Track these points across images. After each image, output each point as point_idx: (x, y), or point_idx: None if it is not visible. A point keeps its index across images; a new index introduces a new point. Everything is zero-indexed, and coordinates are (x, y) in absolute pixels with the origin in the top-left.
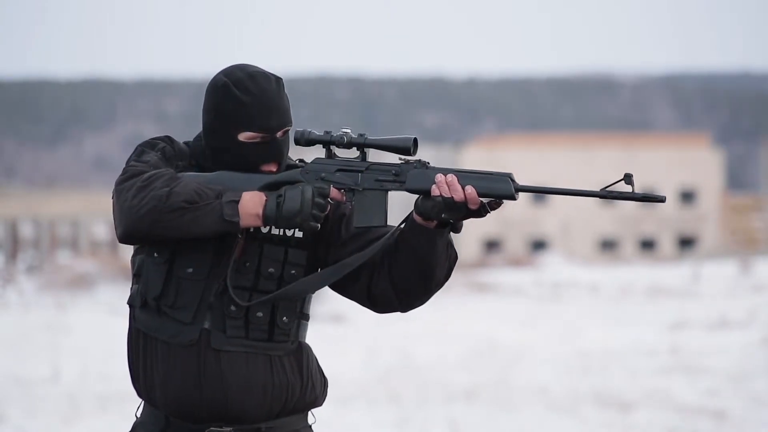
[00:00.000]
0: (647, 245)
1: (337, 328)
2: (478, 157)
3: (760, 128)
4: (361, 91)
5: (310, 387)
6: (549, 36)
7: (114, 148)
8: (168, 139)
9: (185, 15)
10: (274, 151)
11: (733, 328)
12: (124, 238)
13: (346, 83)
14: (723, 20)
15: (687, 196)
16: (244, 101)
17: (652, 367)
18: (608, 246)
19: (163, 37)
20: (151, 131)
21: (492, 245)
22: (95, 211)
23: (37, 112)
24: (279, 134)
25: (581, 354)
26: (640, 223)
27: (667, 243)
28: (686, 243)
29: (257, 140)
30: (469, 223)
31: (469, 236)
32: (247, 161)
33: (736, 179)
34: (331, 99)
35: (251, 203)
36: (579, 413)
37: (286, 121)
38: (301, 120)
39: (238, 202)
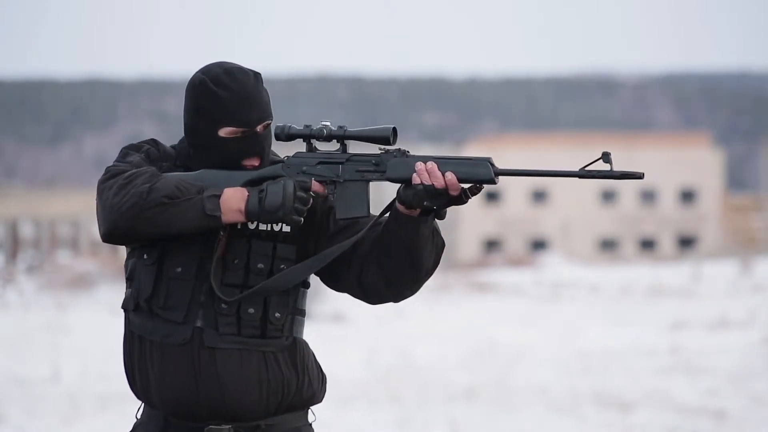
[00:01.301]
0: (647, 245)
1: (338, 328)
2: None
3: (760, 128)
4: (361, 91)
5: (307, 382)
6: (549, 36)
7: (114, 148)
8: (153, 142)
9: (185, 15)
10: (256, 145)
11: (733, 328)
12: (107, 236)
13: (346, 83)
14: (723, 20)
15: (687, 196)
16: (222, 96)
17: (652, 367)
18: (608, 246)
19: (163, 37)
20: (151, 131)
21: (492, 245)
22: (95, 211)
23: (37, 112)
24: (259, 128)
25: (581, 354)
26: (640, 223)
27: (667, 243)
28: (686, 243)
29: (238, 135)
30: (469, 223)
31: (469, 236)
32: (229, 157)
33: (736, 179)
34: (331, 99)
35: (233, 199)
36: (579, 413)
37: (266, 115)
38: (301, 120)
39: (219, 197)
